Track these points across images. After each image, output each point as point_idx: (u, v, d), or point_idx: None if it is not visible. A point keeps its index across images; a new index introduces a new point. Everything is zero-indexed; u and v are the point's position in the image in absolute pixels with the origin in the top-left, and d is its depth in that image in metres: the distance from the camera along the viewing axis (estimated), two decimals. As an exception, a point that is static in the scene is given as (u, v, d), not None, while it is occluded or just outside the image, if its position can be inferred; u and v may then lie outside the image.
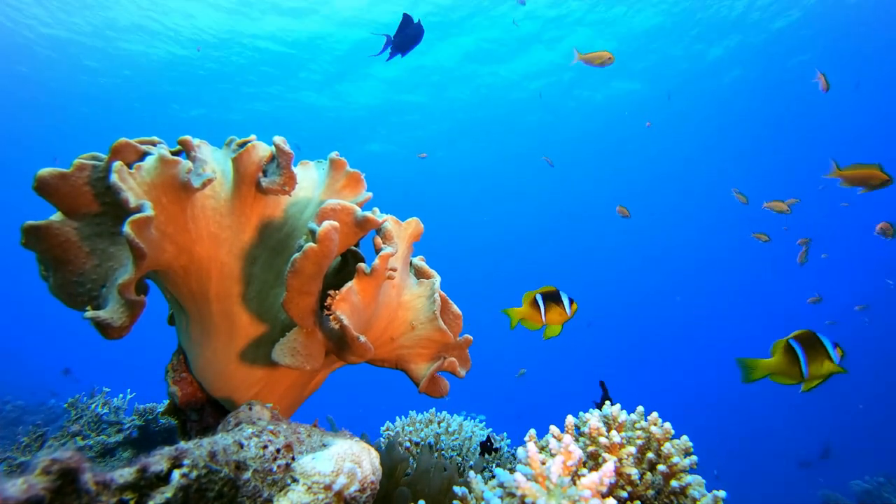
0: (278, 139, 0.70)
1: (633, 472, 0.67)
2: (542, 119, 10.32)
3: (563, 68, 8.76)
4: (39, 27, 7.29)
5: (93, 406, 1.94)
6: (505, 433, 1.45)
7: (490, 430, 1.45)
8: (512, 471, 0.52)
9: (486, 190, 14.01)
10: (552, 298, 1.49)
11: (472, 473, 0.65)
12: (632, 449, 0.68)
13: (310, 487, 0.52)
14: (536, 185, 13.28)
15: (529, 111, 10.10)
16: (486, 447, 1.24)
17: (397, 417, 1.40)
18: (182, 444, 0.47)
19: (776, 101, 9.33)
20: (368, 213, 0.66)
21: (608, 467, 0.48)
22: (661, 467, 0.68)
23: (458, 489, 0.63)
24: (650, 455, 0.70)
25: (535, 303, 1.50)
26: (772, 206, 2.94)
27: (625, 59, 8.46)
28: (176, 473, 0.44)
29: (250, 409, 0.65)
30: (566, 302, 1.49)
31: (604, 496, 0.47)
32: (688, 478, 0.67)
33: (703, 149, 11.28)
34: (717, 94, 9.28)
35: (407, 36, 2.22)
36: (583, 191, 13.31)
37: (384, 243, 0.69)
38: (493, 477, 0.61)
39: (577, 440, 0.73)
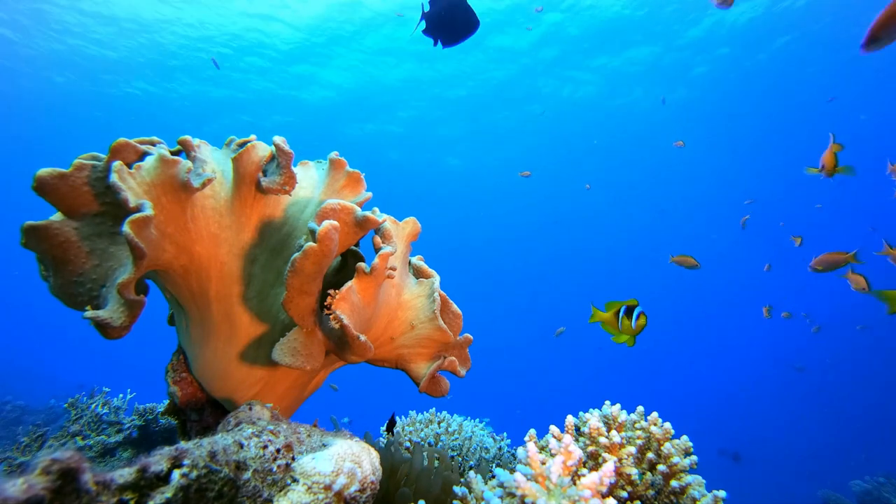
0: (278, 139, 0.70)
1: (633, 472, 0.67)
2: (544, 119, 10.32)
3: (569, 66, 8.75)
4: (42, 26, 7.29)
5: (93, 406, 1.94)
6: (505, 433, 1.45)
7: (490, 429, 1.45)
8: (512, 471, 0.52)
9: (486, 188, 14.02)
10: (629, 312, 1.56)
11: (472, 473, 0.65)
12: (632, 449, 0.68)
13: (310, 487, 0.52)
14: (538, 183, 13.28)
15: (531, 110, 10.10)
16: (391, 425, 1.26)
17: (397, 417, 1.40)
18: (182, 444, 0.47)
19: (778, 102, 9.35)
20: (368, 213, 0.66)
21: (608, 467, 0.48)
22: (661, 467, 0.68)
23: (458, 489, 0.63)
24: (650, 455, 0.70)
25: (616, 313, 1.58)
26: (679, 260, 2.83)
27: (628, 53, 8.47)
28: (176, 473, 0.44)
29: (250, 409, 0.65)
30: (635, 315, 1.57)
31: (604, 496, 0.47)
32: (688, 478, 0.67)
33: (704, 147, 11.28)
34: (716, 95, 9.28)
35: (446, 15, 1.66)
36: (584, 190, 13.31)
37: (383, 242, 0.69)
38: (493, 477, 0.61)
39: (577, 440, 0.73)
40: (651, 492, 0.68)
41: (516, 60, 8.62)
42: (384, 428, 1.30)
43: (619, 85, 9.24)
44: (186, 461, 0.45)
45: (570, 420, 0.72)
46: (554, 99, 9.73)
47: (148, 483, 0.42)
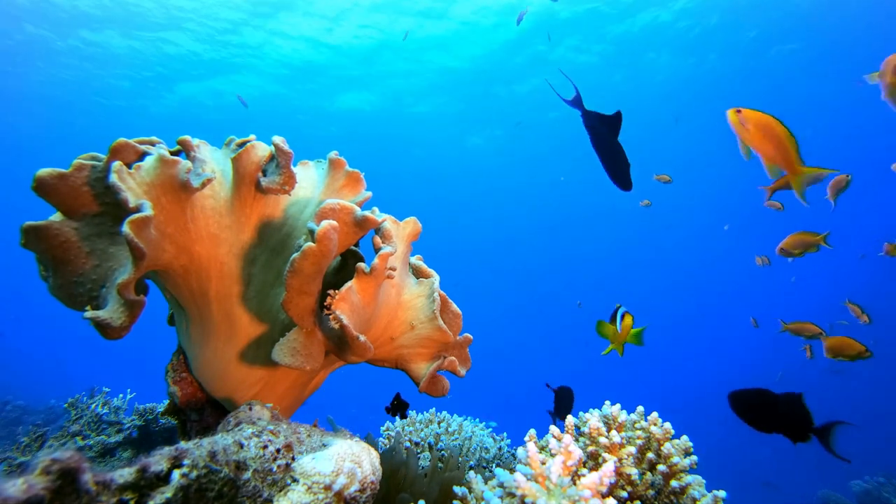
0: (277, 139, 0.70)
1: (633, 472, 0.67)
2: (543, 119, 10.32)
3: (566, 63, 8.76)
4: (42, 26, 7.29)
5: (93, 406, 1.94)
6: (505, 433, 1.45)
7: (490, 429, 1.45)
8: (512, 471, 0.52)
9: (486, 188, 14.01)
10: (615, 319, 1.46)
11: (471, 473, 0.65)
12: (632, 449, 0.68)
13: (310, 487, 0.52)
14: (537, 182, 13.27)
15: (530, 111, 10.10)
16: (396, 406, 1.18)
17: (397, 417, 1.40)
18: (182, 444, 0.47)
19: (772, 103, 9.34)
20: (368, 213, 0.66)
21: (608, 467, 0.48)
22: (661, 467, 0.68)
23: (458, 489, 0.63)
24: (650, 455, 0.70)
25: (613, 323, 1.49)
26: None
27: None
28: (176, 473, 0.44)
29: (250, 409, 0.65)
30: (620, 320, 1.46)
31: (604, 496, 0.47)
32: (688, 478, 0.67)
33: (703, 147, 11.28)
34: (714, 96, 9.27)
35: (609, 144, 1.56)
36: (583, 189, 13.31)
37: (383, 242, 0.69)
38: (493, 477, 0.61)
39: (577, 440, 0.73)
40: (651, 492, 0.68)
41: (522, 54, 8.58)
42: (392, 413, 1.23)
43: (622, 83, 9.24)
44: (186, 461, 0.45)
45: (570, 420, 0.72)
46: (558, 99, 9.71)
47: (148, 483, 0.42)
